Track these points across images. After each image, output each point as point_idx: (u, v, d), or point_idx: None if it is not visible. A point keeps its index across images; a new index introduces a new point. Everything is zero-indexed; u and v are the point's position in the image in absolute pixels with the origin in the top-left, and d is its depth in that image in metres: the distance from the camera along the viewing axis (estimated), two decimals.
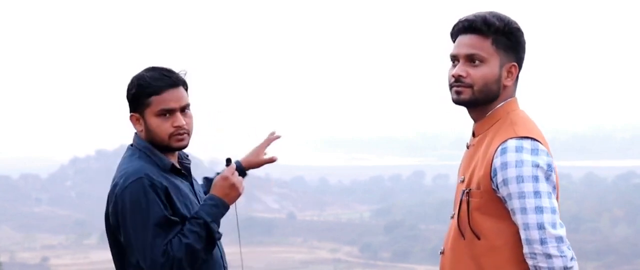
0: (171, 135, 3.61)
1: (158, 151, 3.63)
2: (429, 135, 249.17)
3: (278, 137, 4.12)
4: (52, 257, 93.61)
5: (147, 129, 3.63)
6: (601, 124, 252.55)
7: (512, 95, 3.21)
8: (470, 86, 3.15)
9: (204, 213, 3.55)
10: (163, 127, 3.60)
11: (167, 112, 3.60)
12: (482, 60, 3.14)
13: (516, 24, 3.16)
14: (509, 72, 3.17)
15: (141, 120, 3.63)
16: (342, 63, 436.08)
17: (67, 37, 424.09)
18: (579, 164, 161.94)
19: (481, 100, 3.17)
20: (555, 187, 3.07)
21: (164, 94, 3.59)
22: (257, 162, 4.12)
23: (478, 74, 3.14)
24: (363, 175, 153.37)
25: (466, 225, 3.12)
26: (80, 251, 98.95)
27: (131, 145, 3.70)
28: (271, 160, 4.10)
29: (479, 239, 3.10)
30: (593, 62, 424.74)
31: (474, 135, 3.25)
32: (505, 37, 3.15)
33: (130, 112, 3.65)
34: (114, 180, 3.59)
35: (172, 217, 3.51)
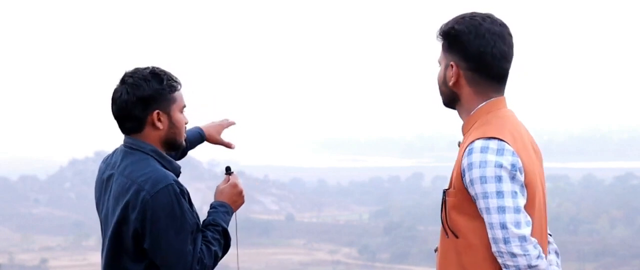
0: (184, 133, 3.67)
1: (165, 154, 3.62)
2: (427, 137, 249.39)
3: (233, 124, 4.30)
4: (50, 258, 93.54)
5: (171, 126, 3.58)
6: (598, 125, 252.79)
7: (491, 95, 3.23)
8: None
9: (221, 220, 3.61)
10: (183, 124, 3.64)
11: (184, 109, 3.65)
12: (439, 65, 3.31)
13: (456, 23, 3.19)
14: (451, 72, 3.23)
15: (163, 117, 3.57)
16: (341, 65, 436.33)
17: (67, 39, 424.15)
18: (577, 165, 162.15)
19: (445, 102, 3.31)
20: (523, 187, 3.09)
21: (181, 91, 3.63)
22: (216, 140, 4.25)
23: (436, 78, 3.32)
24: (361, 176, 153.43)
25: (446, 224, 3.19)
26: (78, 253, 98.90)
27: (130, 148, 3.58)
28: (229, 146, 4.23)
29: (457, 237, 3.16)
30: (590, 63, 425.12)
31: (463, 135, 3.33)
32: (446, 39, 3.22)
33: (153, 109, 3.55)
34: (131, 184, 3.49)
35: (199, 224, 3.55)
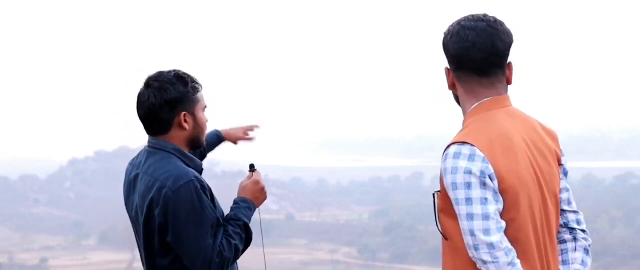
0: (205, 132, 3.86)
1: (188, 153, 3.77)
2: (427, 137, 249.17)
3: (257, 127, 4.60)
4: (50, 258, 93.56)
5: (196, 126, 3.76)
6: (598, 125, 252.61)
7: (485, 95, 3.23)
8: None
9: (242, 215, 3.76)
10: (206, 124, 3.84)
11: (205, 109, 3.84)
12: None
13: (448, 28, 3.22)
14: (448, 77, 3.28)
15: (189, 118, 3.74)
16: (341, 64, 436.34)
17: (67, 38, 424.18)
18: (577, 165, 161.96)
19: (458, 104, 3.33)
20: (497, 192, 3.08)
21: (202, 92, 3.83)
22: (235, 140, 4.57)
23: None
24: (361, 176, 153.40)
25: (437, 226, 3.24)
26: (78, 252, 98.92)
27: (153, 148, 3.74)
28: (249, 139, 4.54)
29: (446, 239, 3.20)
30: (589, 63, 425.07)
31: None
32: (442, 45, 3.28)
33: (179, 111, 3.72)
34: (154, 182, 3.64)
35: (220, 219, 3.69)
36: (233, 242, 3.65)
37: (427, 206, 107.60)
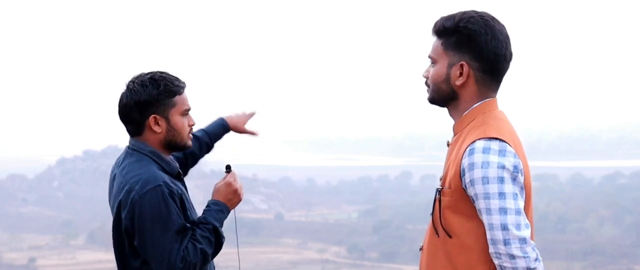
0: (187, 134, 3.78)
1: (164, 156, 3.74)
2: (417, 136, 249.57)
3: (254, 113, 4.49)
4: (39, 257, 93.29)
5: (170, 129, 3.72)
6: (587, 125, 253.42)
7: (489, 95, 3.20)
8: (429, 86, 3.25)
9: (212, 218, 3.69)
10: (185, 127, 3.75)
11: (188, 112, 3.77)
12: (434, 61, 3.22)
13: (469, 22, 3.13)
14: (461, 72, 3.17)
15: (162, 121, 3.70)
16: (330, 64, 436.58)
17: (56, 38, 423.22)
18: (566, 164, 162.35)
19: (438, 100, 3.24)
20: (523, 189, 3.08)
21: (184, 95, 3.75)
22: (240, 130, 4.43)
23: (431, 75, 3.23)
24: (350, 175, 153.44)
25: (439, 224, 3.17)
26: (67, 252, 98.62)
27: (131, 149, 3.74)
28: (253, 133, 4.40)
29: (450, 237, 3.15)
30: (579, 63, 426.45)
31: (454, 134, 3.29)
32: (453, 36, 3.15)
33: (149, 114, 3.70)
34: (125, 184, 3.63)
35: (187, 224, 3.63)
36: (199, 246, 3.59)
37: (416, 205, 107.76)
